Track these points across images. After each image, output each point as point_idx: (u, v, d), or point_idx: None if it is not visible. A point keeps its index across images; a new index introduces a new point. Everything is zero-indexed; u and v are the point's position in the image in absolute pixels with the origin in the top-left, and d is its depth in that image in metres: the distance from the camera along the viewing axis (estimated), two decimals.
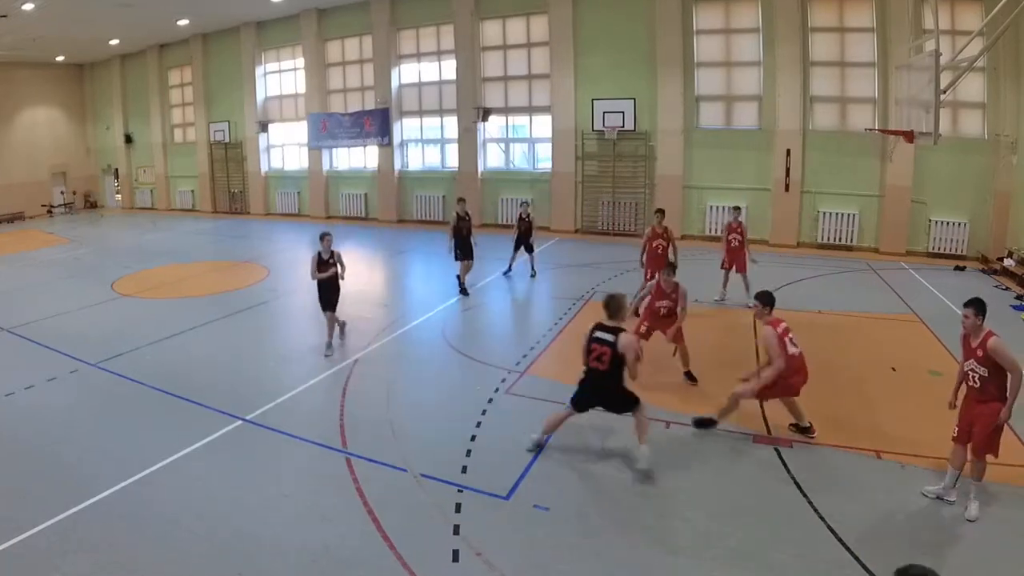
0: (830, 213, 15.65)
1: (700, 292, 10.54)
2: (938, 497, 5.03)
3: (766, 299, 6.07)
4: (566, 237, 17.93)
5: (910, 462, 5.59)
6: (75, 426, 6.66)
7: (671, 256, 10.17)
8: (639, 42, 16.97)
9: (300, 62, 22.60)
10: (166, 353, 8.91)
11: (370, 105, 21.24)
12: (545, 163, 19.08)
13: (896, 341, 8.92)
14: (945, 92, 8.65)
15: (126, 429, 6.55)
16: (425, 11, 19.82)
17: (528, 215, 12.97)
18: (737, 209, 11.18)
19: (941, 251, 14.60)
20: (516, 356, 8.47)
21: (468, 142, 19.60)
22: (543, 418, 6.03)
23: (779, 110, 15.70)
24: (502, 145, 20.14)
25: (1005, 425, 4.79)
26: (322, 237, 8.68)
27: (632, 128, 17.00)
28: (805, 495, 5.15)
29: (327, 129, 22.06)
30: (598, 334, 5.56)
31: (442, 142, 20.87)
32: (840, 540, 4.56)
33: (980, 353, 4.82)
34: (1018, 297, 11.23)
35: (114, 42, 24.41)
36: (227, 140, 24.42)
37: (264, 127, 23.71)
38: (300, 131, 23.13)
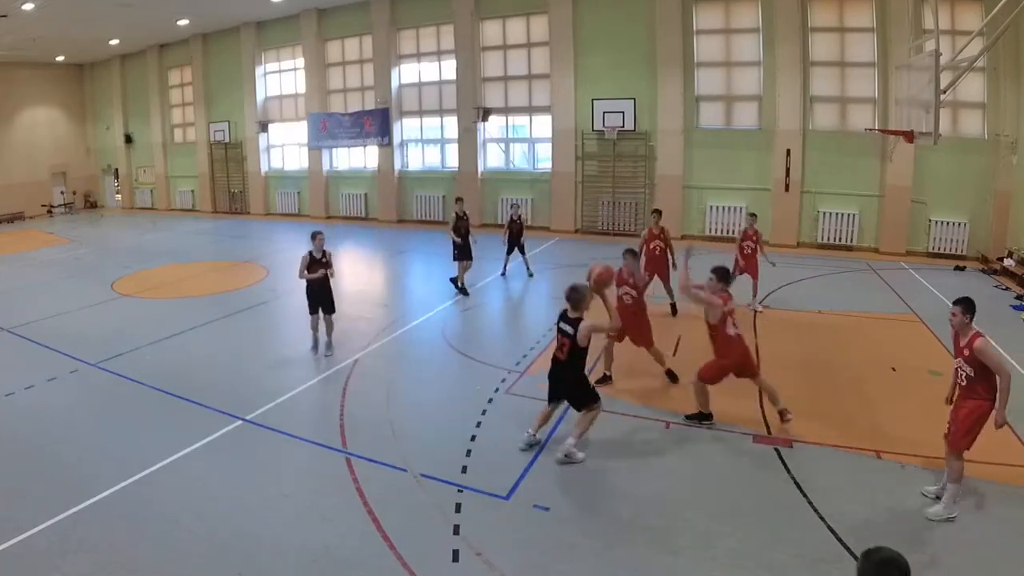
0: (830, 213, 15.65)
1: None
2: (937, 496, 5.02)
3: (722, 275, 6.30)
4: (566, 237, 17.93)
5: (910, 462, 5.59)
6: (75, 426, 6.66)
7: (670, 257, 10.18)
8: (639, 42, 16.97)
9: (300, 62, 22.61)
10: (166, 353, 8.91)
11: (370, 105, 21.25)
12: (545, 163, 19.09)
13: (896, 341, 8.92)
14: (945, 92, 8.65)
15: (126, 429, 6.55)
16: (425, 11, 19.82)
17: (519, 216, 12.95)
18: (753, 216, 10.91)
19: (941, 251, 14.60)
20: (516, 356, 8.47)
21: (468, 142, 19.60)
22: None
23: (779, 110, 15.70)
24: (502, 145, 20.14)
25: (983, 424, 4.77)
26: (314, 236, 8.51)
27: (632, 128, 17.00)
28: (805, 495, 5.14)
29: (327, 129, 22.06)
30: (562, 325, 5.73)
31: (442, 142, 20.87)
32: (840, 540, 4.56)
33: (967, 353, 4.84)
34: (1018, 297, 11.23)
35: (114, 42, 24.41)
36: (227, 140, 24.43)
37: (264, 127, 23.71)
38: (300, 131, 23.14)
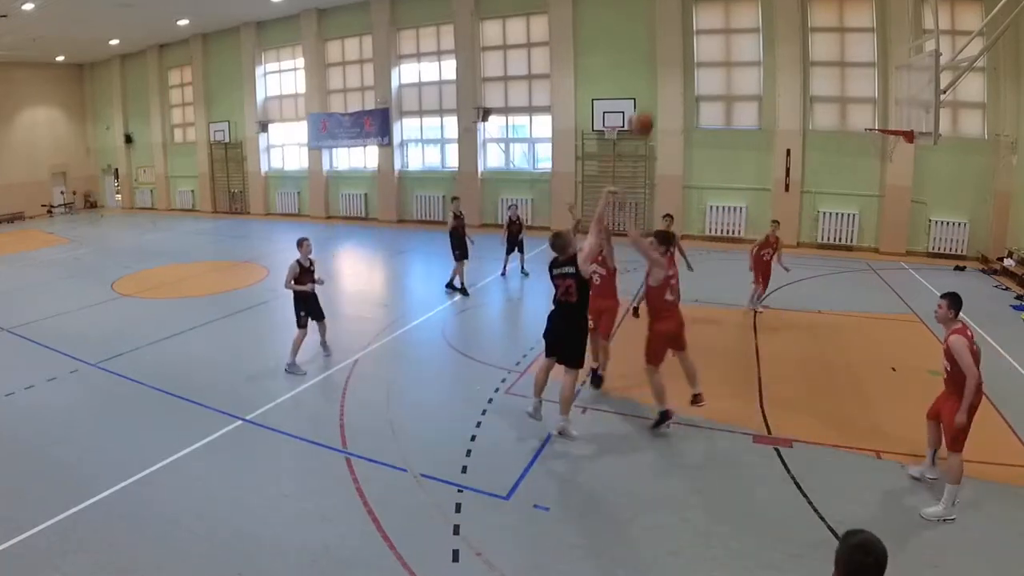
0: (830, 213, 15.66)
1: (706, 292, 10.57)
2: (921, 477, 5.17)
3: (662, 238, 6.32)
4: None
5: (910, 462, 5.57)
6: (75, 426, 6.66)
7: (686, 262, 9.77)
8: (639, 42, 16.97)
9: (300, 62, 22.61)
10: (166, 353, 8.91)
11: (370, 105, 21.25)
12: (545, 163, 19.09)
13: (896, 341, 8.92)
14: (945, 92, 8.66)
15: (126, 429, 6.55)
16: (425, 11, 19.82)
17: (518, 217, 12.94)
18: (776, 223, 10.30)
19: (941, 251, 14.61)
20: (516, 356, 8.47)
21: (468, 142, 19.60)
22: (543, 418, 6.08)
23: (779, 110, 15.71)
24: (502, 145, 20.14)
25: (967, 423, 4.78)
26: (301, 243, 8.08)
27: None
28: (805, 495, 5.14)
29: (327, 129, 22.06)
30: (557, 271, 5.78)
31: (442, 142, 20.87)
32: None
33: (944, 347, 4.95)
34: (1018, 297, 11.23)
35: (114, 42, 24.42)
36: (227, 140, 24.43)
37: (264, 127, 23.71)
38: (300, 131, 23.14)
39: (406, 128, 21.28)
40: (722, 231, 16.72)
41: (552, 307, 6.02)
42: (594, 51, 17.56)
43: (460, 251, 11.70)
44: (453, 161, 20.39)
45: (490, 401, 7.07)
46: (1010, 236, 13.54)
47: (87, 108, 28.99)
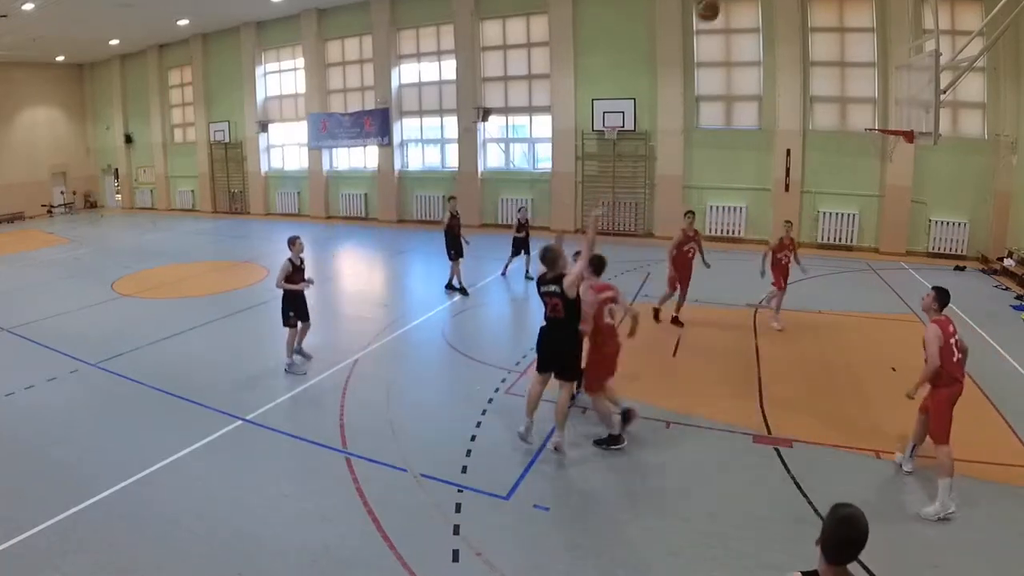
0: (830, 213, 15.66)
1: (706, 292, 10.55)
2: (900, 464, 5.35)
3: (595, 265, 6.18)
4: (566, 237, 17.88)
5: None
6: (75, 426, 6.65)
7: (703, 259, 9.70)
8: (639, 42, 16.97)
9: (300, 62, 22.61)
10: (166, 353, 8.91)
11: (370, 105, 21.24)
12: (545, 163, 19.09)
13: (896, 341, 8.91)
14: (945, 92, 8.66)
15: (126, 429, 6.55)
16: (425, 11, 19.82)
17: (527, 219, 12.91)
18: (789, 223, 9.93)
19: (941, 251, 14.61)
20: (516, 356, 8.46)
21: (468, 142, 19.60)
22: (543, 418, 6.04)
23: (779, 110, 15.70)
24: (502, 145, 20.14)
25: (952, 407, 4.98)
26: (293, 241, 7.94)
27: (632, 128, 17.00)
28: (805, 495, 5.14)
29: (327, 129, 22.06)
30: (544, 288, 5.72)
31: (442, 142, 20.87)
32: None
33: (923, 337, 5.13)
34: (1018, 297, 11.23)
35: (114, 42, 24.41)
36: (227, 140, 24.42)
37: (264, 127, 23.70)
38: (300, 131, 23.13)
39: (406, 128, 21.28)
40: (722, 231, 16.71)
41: (543, 323, 5.89)
42: (594, 51, 17.55)
43: (455, 251, 11.72)
44: (453, 161, 20.38)
45: (490, 401, 7.06)
46: (1010, 236, 13.53)
47: (87, 108, 28.99)
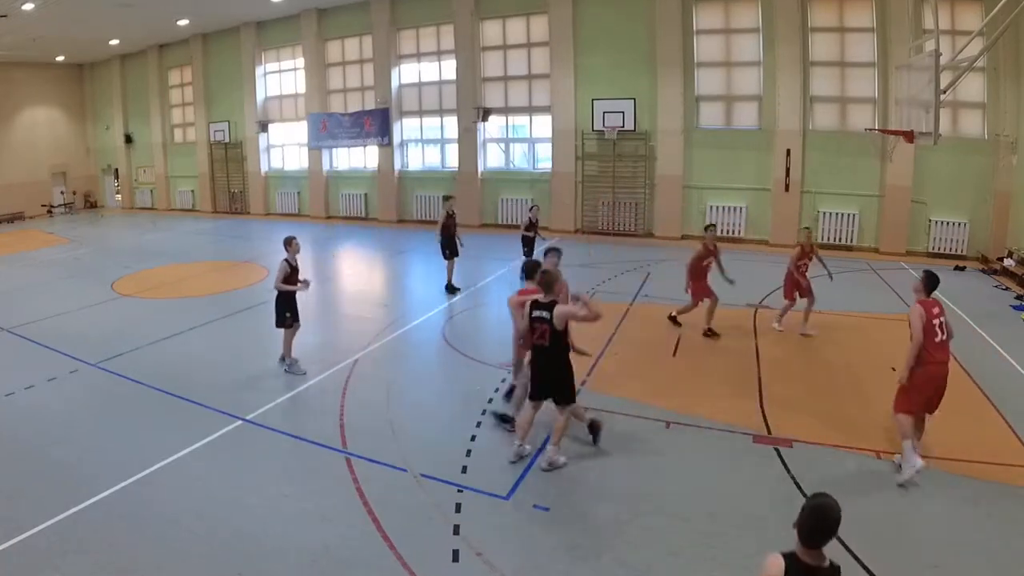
0: (830, 213, 15.66)
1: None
2: (899, 466, 5.37)
3: (529, 269, 6.24)
4: (566, 237, 17.89)
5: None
6: (75, 426, 6.66)
7: (723, 273, 9.14)
8: (639, 42, 16.97)
9: (300, 62, 22.60)
10: (166, 353, 8.90)
11: (370, 105, 21.24)
12: (545, 163, 19.09)
13: (896, 341, 8.83)
14: (945, 92, 8.65)
15: (126, 429, 6.55)
16: (425, 11, 19.82)
17: (537, 219, 12.79)
18: (808, 229, 9.61)
19: (941, 251, 14.61)
20: None
21: (468, 142, 19.60)
22: (540, 421, 6.04)
23: (779, 110, 15.71)
24: (502, 145, 20.14)
25: (922, 390, 5.20)
26: (289, 241, 7.94)
27: (632, 128, 16.99)
28: (805, 495, 5.12)
29: (327, 129, 22.06)
30: (535, 313, 5.56)
31: (442, 142, 20.87)
32: (840, 540, 4.54)
33: (908, 318, 5.32)
34: (1018, 297, 11.23)
35: (114, 42, 24.41)
36: (227, 140, 24.42)
37: (264, 127, 23.70)
38: (300, 131, 23.13)
39: (406, 128, 21.27)
40: (722, 231, 16.64)
41: (532, 352, 5.69)
42: (594, 51, 17.55)
43: (450, 250, 11.74)
44: (453, 161, 20.38)
45: (490, 401, 7.06)
46: (1010, 236, 13.54)
47: (87, 108, 28.98)
